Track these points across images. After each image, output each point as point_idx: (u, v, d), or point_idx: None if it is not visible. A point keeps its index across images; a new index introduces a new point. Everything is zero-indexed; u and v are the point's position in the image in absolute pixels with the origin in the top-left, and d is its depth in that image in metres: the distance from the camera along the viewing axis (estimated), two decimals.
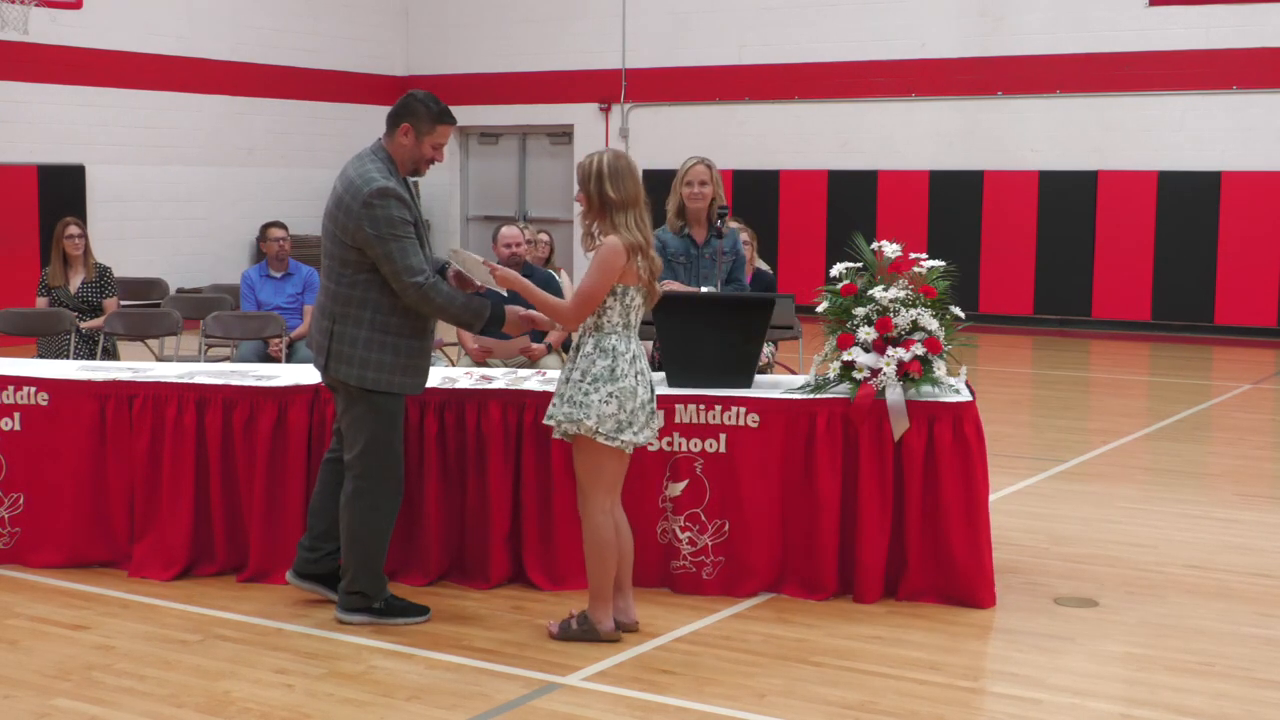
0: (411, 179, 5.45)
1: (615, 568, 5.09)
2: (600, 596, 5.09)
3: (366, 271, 5.19)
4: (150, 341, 9.68)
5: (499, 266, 5.26)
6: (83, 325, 9.30)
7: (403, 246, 5.14)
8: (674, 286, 6.60)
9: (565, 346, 8.56)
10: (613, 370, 4.90)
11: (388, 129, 5.35)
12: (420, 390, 5.41)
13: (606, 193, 4.90)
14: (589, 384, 4.90)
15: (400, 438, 5.38)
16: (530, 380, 6.00)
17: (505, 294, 5.35)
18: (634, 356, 4.96)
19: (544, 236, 9.37)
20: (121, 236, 16.31)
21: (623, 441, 4.93)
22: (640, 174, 5.03)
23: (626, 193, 4.92)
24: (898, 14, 17.51)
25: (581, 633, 5.11)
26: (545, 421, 5.07)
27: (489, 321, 5.33)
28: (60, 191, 15.92)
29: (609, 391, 4.88)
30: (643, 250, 4.93)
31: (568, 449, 5.68)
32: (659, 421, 5.22)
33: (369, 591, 5.35)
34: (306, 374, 6.19)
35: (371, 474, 5.27)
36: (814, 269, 15.32)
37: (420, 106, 5.31)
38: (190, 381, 5.99)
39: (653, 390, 5.07)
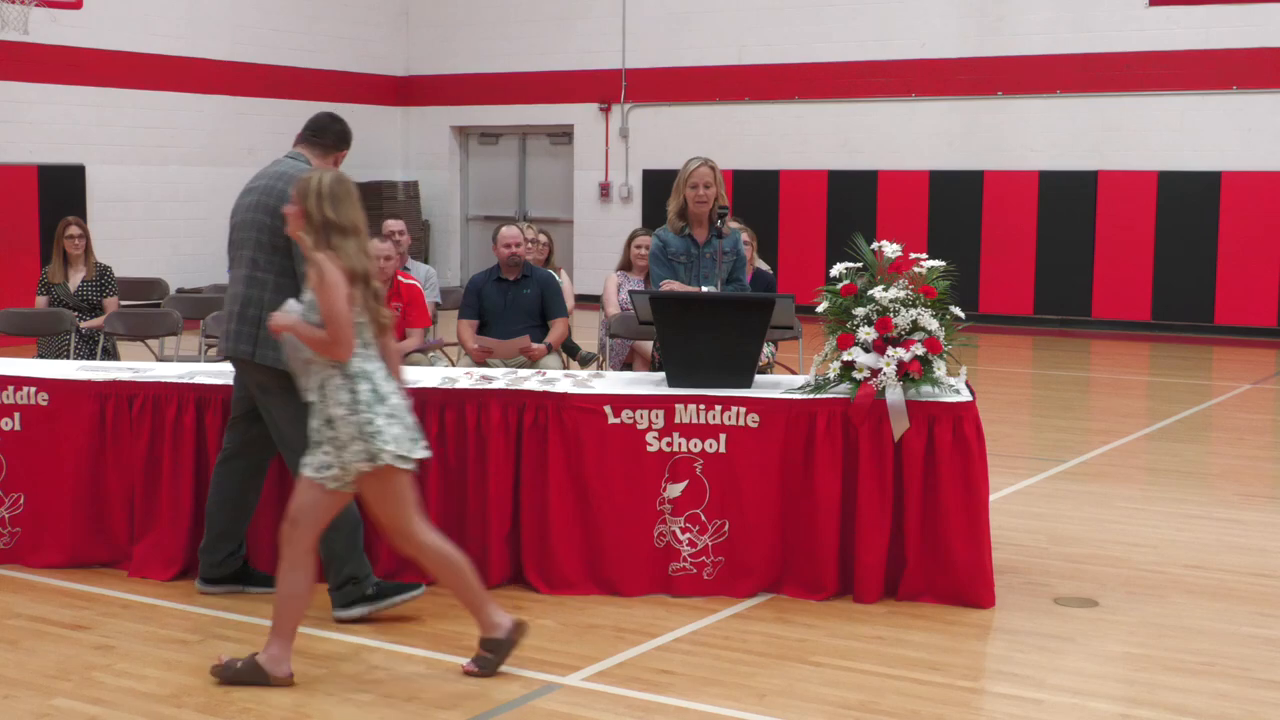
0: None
1: (468, 578, 4.83)
2: (475, 607, 4.82)
3: (292, 260, 5.28)
4: (150, 341, 9.67)
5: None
6: (83, 325, 9.29)
7: None
8: (674, 286, 6.60)
9: (566, 347, 8.57)
10: (376, 390, 4.63)
11: (312, 150, 5.61)
12: None
13: (327, 214, 4.64)
14: (364, 412, 4.57)
15: None
16: (530, 380, 6.00)
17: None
18: (384, 371, 4.71)
19: (543, 237, 9.38)
20: (121, 236, 16.30)
21: (413, 458, 4.66)
22: (358, 201, 4.77)
23: (347, 219, 4.66)
24: (898, 14, 17.52)
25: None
26: (317, 473, 4.63)
27: None
28: (60, 191, 15.93)
29: (386, 411, 4.62)
30: (364, 279, 4.64)
31: (568, 449, 5.69)
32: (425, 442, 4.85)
33: (357, 575, 5.35)
34: None
35: None
36: (814, 269, 15.33)
37: (346, 133, 5.74)
38: (190, 381, 5.99)
39: (409, 411, 4.77)
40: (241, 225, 5.44)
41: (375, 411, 4.58)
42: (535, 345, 8.08)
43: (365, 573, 5.38)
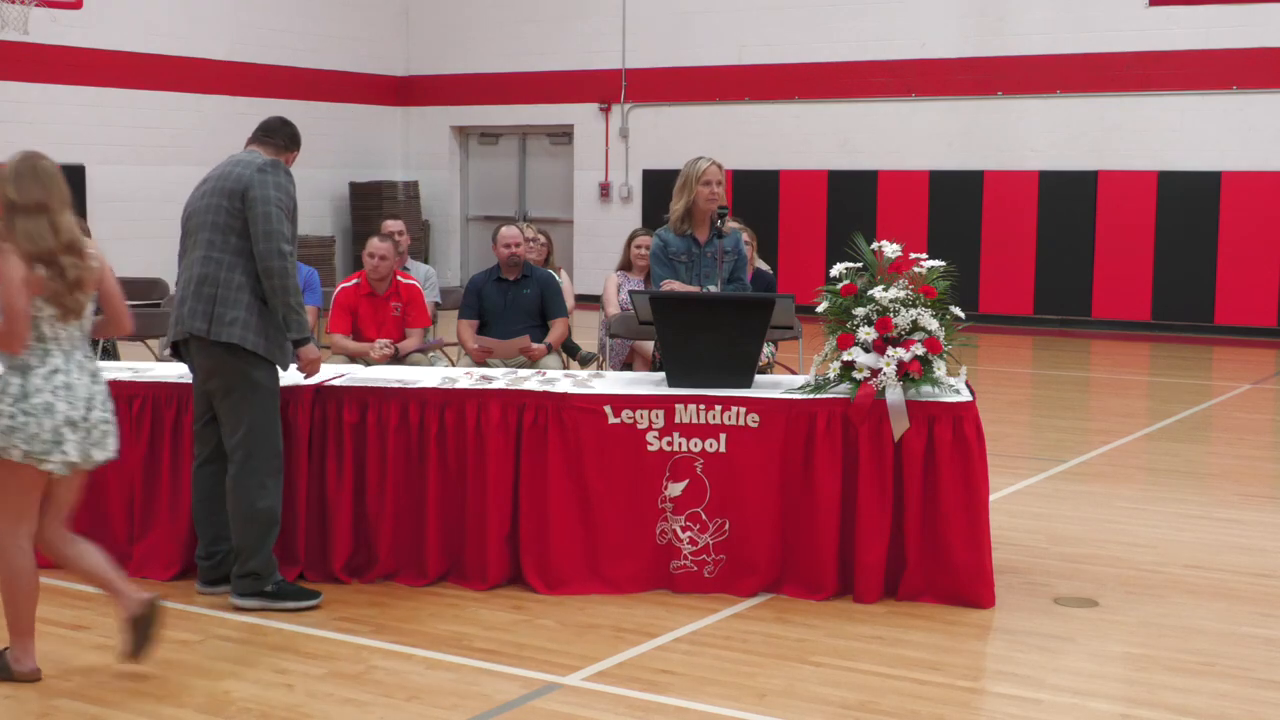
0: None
1: (35, 600, 4.67)
2: (19, 631, 4.68)
3: (249, 242, 5.34)
4: (150, 341, 9.66)
5: None
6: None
7: (281, 216, 5.33)
8: (675, 286, 6.60)
9: (566, 347, 8.57)
10: (24, 387, 4.53)
11: (267, 149, 5.57)
12: (286, 367, 5.50)
13: (9, 195, 4.53)
14: (5, 405, 4.50)
15: (279, 416, 5.50)
16: (530, 380, 6.00)
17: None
18: (53, 371, 4.57)
19: (541, 237, 9.38)
20: (121, 236, 16.29)
21: (49, 462, 4.53)
22: (59, 178, 4.60)
23: (31, 198, 4.50)
24: (898, 14, 17.52)
25: None
26: None
27: (300, 340, 5.48)
28: None
29: (27, 409, 4.49)
30: (47, 259, 4.49)
31: (568, 449, 5.69)
32: (111, 442, 4.72)
33: (261, 572, 5.43)
34: None
35: (258, 453, 5.38)
36: (814, 269, 15.33)
37: (296, 136, 5.68)
38: (190, 381, 5.98)
39: (92, 407, 4.63)
40: (196, 213, 5.49)
41: (17, 408, 4.52)
42: (535, 345, 8.08)
43: (269, 571, 5.46)
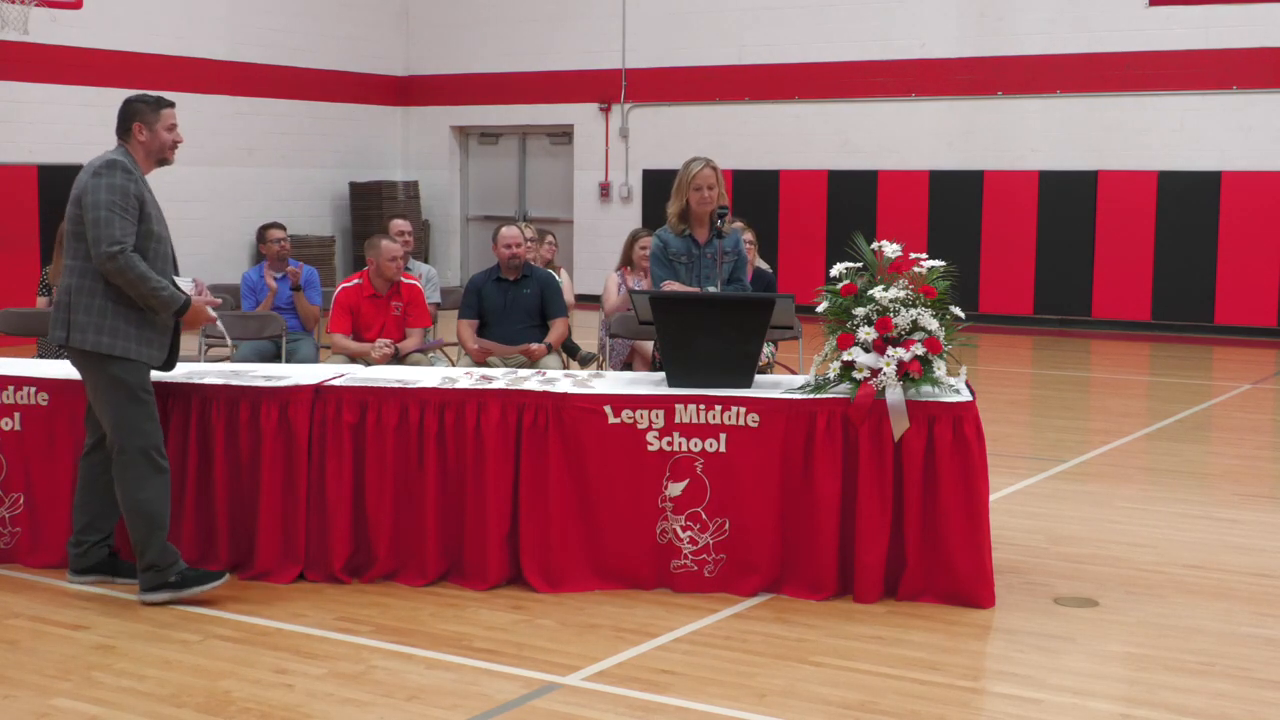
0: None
1: None
2: None
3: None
4: None
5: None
6: None
7: (110, 217, 5.37)
8: (675, 286, 6.61)
9: (566, 347, 8.57)
10: None
11: (120, 138, 5.68)
12: (160, 362, 5.55)
13: None
14: None
15: (151, 410, 5.52)
16: (530, 380, 6.00)
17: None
18: None
19: (549, 237, 9.40)
20: None
21: None
22: None
23: None
24: (898, 14, 17.52)
25: None
26: None
27: (177, 312, 5.51)
28: (60, 191, 15.73)
29: None
30: None
31: (568, 449, 5.69)
32: None
33: (159, 564, 5.50)
34: (307, 374, 6.20)
35: (129, 448, 5.45)
36: (814, 269, 15.34)
37: (140, 104, 5.69)
38: (190, 381, 5.99)
39: None
40: (65, 222, 5.62)
41: None
42: (535, 345, 8.08)
43: (167, 562, 5.52)
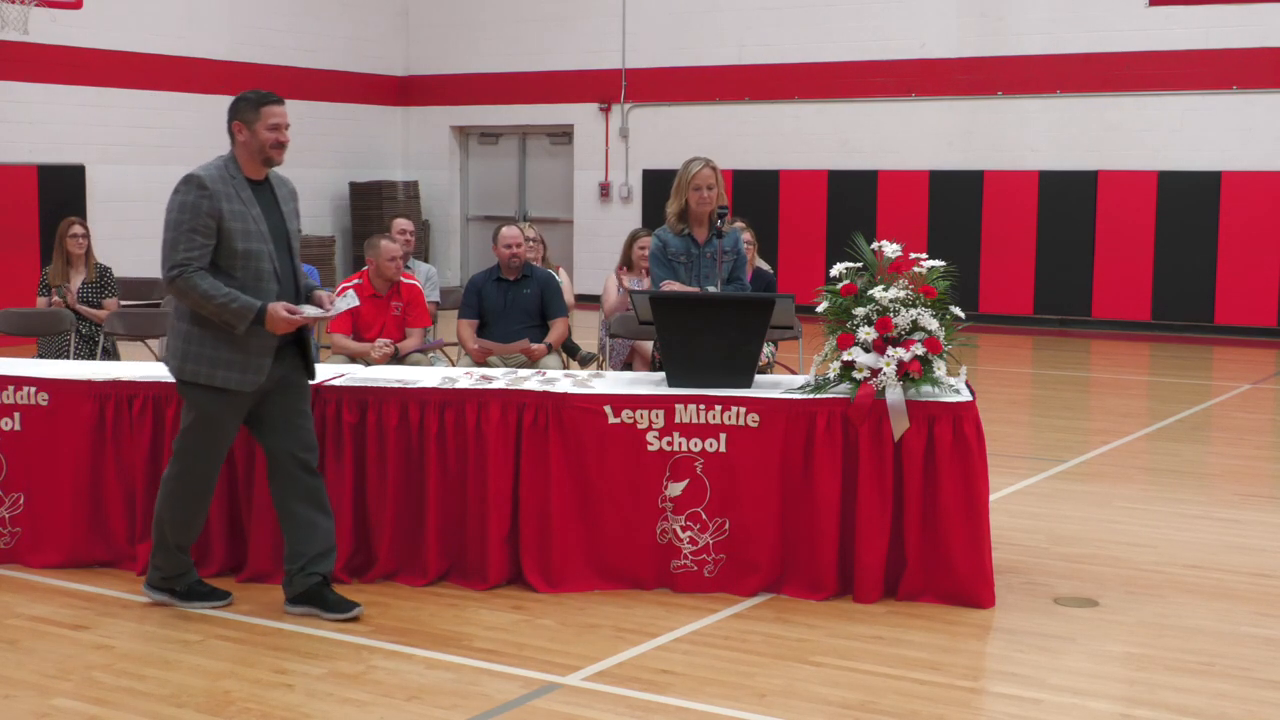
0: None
1: None
2: None
3: None
4: (150, 341, 9.67)
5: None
6: (82, 312, 9.32)
7: (174, 238, 5.20)
8: (674, 286, 6.60)
9: (566, 347, 8.57)
10: None
11: (234, 134, 5.45)
12: (252, 386, 5.23)
13: None
14: None
15: (219, 438, 5.33)
16: (530, 380, 6.00)
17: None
18: None
19: (535, 237, 9.39)
20: (121, 236, 16.28)
21: None
22: None
23: None
24: (898, 14, 17.52)
25: None
26: None
27: (254, 320, 5.17)
28: (60, 191, 15.91)
29: None
30: None
31: (568, 449, 5.70)
32: None
33: (164, 570, 5.46)
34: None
35: (183, 465, 5.37)
36: (814, 269, 15.33)
37: (242, 102, 5.41)
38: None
39: None
40: None
41: None
42: (535, 345, 8.08)
43: (174, 572, 5.48)
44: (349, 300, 5.52)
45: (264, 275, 5.25)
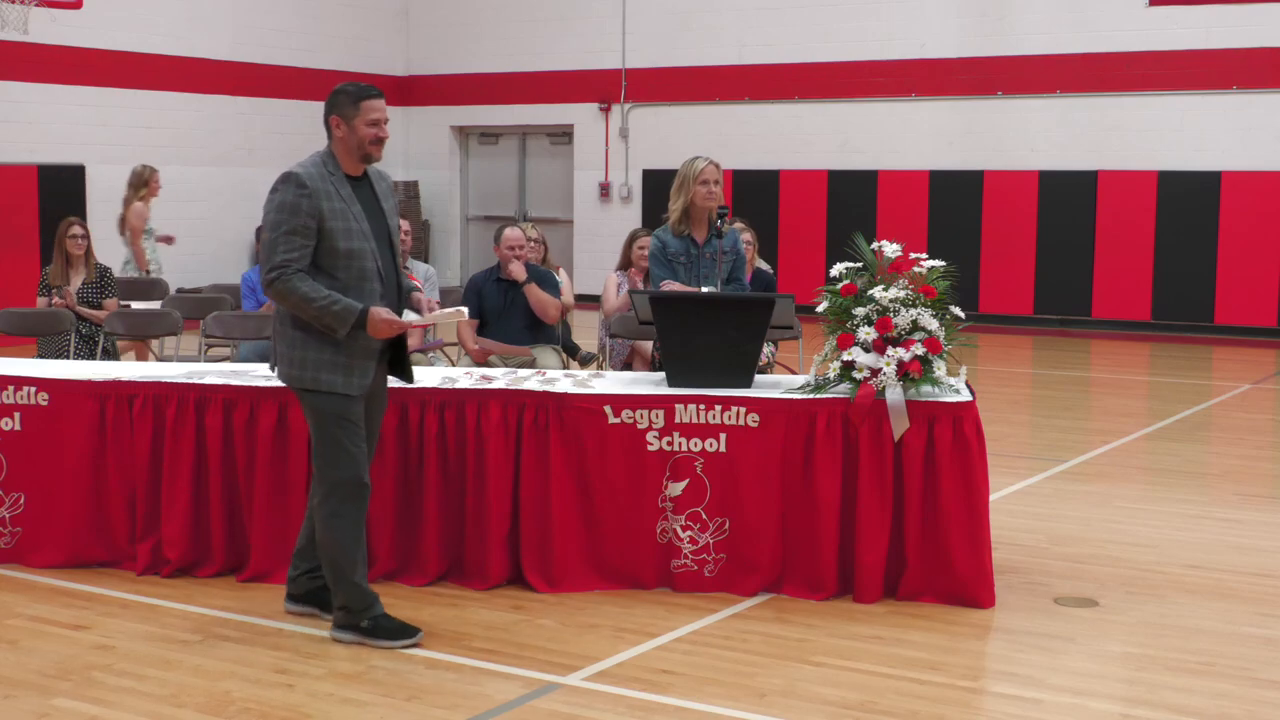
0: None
1: None
2: None
3: None
4: (150, 341, 9.67)
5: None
6: (82, 313, 9.32)
7: (274, 240, 4.96)
8: (674, 286, 6.60)
9: (566, 347, 8.56)
10: None
11: (332, 130, 5.16)
12: (358, 389, 5.06)
13: None
14: None
15: (350, 437, 5.05)
16: (530, 380, 6.00)
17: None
18: None
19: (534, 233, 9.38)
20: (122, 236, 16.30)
21: None
22: None
23: None
24: (898, 14, 17.52)
25: None
26: None
27: (354, 325, 4.97)
28: (60, 191, 15.92)
29: None
30: None
31: (568, 449, 5.70)
32: None
33: (350, 605, 5.12)
34: None
35: (324, 481, 5.08)
36: (814, 269, 15.32)
37: (340, 95, 5.13)
38: (190, 381, 5.99)
39: None
40: None
41: None
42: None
43: (359, 606, 5.14)
44: (456, 311, 5.35)
45: (367, 275, 5.05)
